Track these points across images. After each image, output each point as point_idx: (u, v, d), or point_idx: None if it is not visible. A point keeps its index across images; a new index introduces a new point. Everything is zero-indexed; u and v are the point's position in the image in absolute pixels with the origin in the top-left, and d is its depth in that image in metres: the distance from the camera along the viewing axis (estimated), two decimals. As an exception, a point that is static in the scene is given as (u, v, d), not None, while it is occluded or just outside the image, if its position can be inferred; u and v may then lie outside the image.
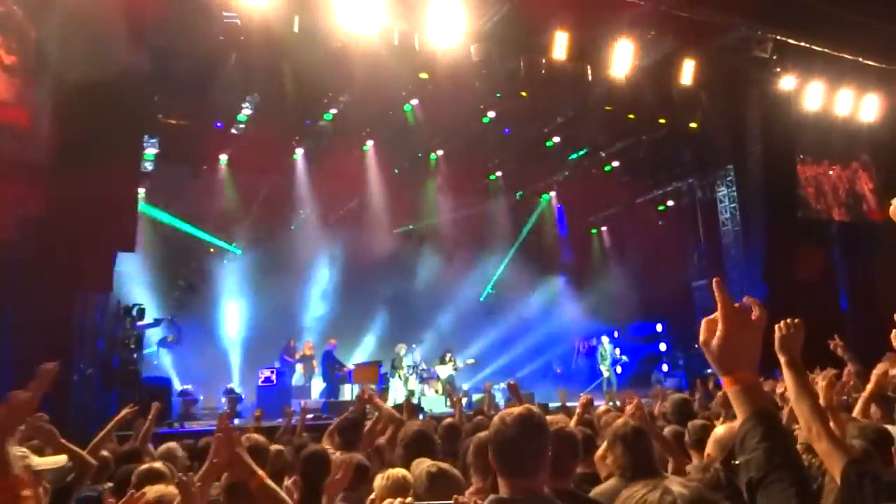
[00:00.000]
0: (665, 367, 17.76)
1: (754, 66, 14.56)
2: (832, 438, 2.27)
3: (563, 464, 2.77)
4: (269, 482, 2.54)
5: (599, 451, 3.25)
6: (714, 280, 1.52)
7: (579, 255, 19.73)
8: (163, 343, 13.24)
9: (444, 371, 14.92)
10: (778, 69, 14.72)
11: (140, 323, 11.51)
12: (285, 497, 2.57)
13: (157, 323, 12.14)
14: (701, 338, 1.48)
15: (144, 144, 12.81)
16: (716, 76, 14.13)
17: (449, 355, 15.03)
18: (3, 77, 9.43)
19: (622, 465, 3.04)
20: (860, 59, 15.42)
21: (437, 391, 15.30)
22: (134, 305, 11.74)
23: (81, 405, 9.73)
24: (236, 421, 11.22)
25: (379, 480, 2.84)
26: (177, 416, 11.38)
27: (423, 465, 2.90)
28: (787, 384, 2.42)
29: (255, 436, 3.80)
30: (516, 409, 2.29)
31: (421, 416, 9.32)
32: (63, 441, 4.02)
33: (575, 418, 4.17)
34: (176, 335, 13.33)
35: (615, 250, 19.93)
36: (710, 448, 2.95)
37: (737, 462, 1.39)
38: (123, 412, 5.27)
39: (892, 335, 2.59)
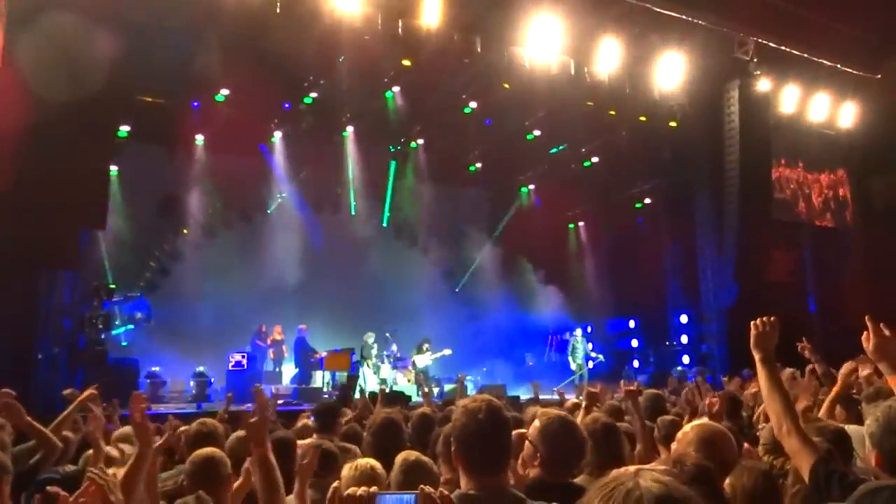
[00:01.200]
0: (636, 363, 17.92)
1: (735, 67, 14.69)
2: (802, 437, 2.28)
3: (566, 458, 2.74)
4: (271, 456, 2.52)
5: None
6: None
7: (556, 250, 19.78)
8: (132, 321, 12.99)
9: (421, 360, 14.93)
10: (757, 72, 14.86)
11: (109, 301, 11.30)
12: (278, 476, 2.54)
13: (126, 300, 11.90)
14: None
15: (118, 122, 12.56)
16: (697, 76, 14.23)
17: (426, 345, 15.03)
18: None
19: (591, 461, 3.03)
20: (838, 66, 15.64)
21: (409, 380, 15.30)
22: (103, 284, 11.54)
23: (46, 384, 9.55)
24: (204, 405, 11.11)
25: (347, 470, 2.80)
26: (144, 399, 11.23)
27: (402, 455, 2.87)
28: (760, 381, 2.43)
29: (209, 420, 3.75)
30: (479, 402, 2.23)
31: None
32: (29, 419, 3.94)
33: (581, 413, 4.14)
34: (146, 314, 13.10)
35: (591, 245, 20.03)
36: (692, 446, 2.93)
37: None
38: (87, 393, 5.15)
39: (863, 337, 2.61)
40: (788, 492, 2.51)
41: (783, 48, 14.68)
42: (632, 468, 1.09)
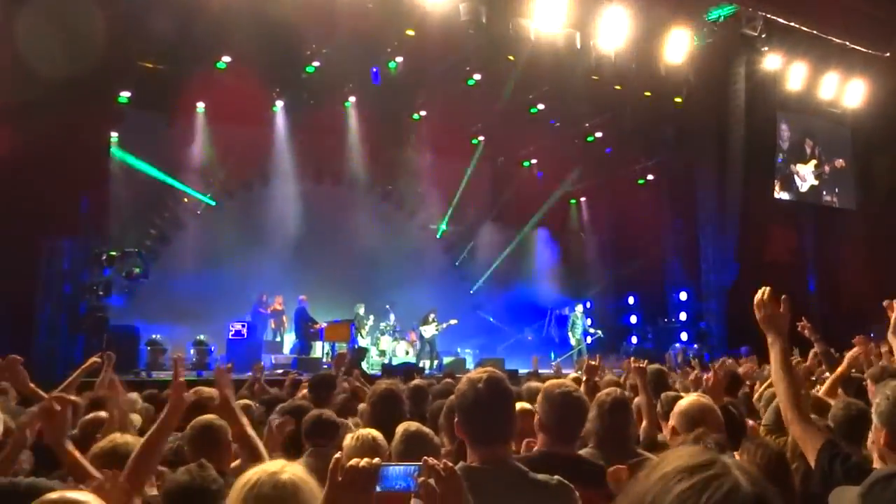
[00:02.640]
0: (634, 340, 18.01)
1: (742, 43, 14.52)
2: (808, 422, 2.28)
3: (571, 430, 2.76)
4: (250, 429, 2.54)
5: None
6: None
7: (556, 225, 19.74)
8: (129, 276, 12.77)
9: (427, 331, 15.01)
10: (765, 48, 14.69)
11: (109, 267, 11.22)
12: (262, 447, 2.56)
13: (124, 256, 11.77)
14: None
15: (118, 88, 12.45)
16: (704, 51, 14.07)
17: (432, 315, 15.09)
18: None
19: (597, 434, 3.05)
20: (847, 44, 15.45)
21: (407, 352, 15.39)
22: (103, 251, 11.49)
23: (46, 350, 9.59)
24: (204, 373, 11.16)
25: (348, 440, 2.82)
26: (144, 366, 11.27)
27: (403, 425, 2.89)
28: (772, 362, 2.41)
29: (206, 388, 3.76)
30: (483, 374, 2.23)
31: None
32: (33, 386, 3.95)
33: (583, 386, 4.17)
34: (143, 267, 12.95)
35: (592, 221, 20.00)
36: (674, 420, 2.95)
37: None
38: (90, 360, 5.18)
39: (885, 303, 2.65)
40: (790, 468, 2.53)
41: (792, 24, 14.49)
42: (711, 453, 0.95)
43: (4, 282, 8.76)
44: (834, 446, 2.17)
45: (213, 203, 15.73)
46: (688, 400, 3.10)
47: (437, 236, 18.80)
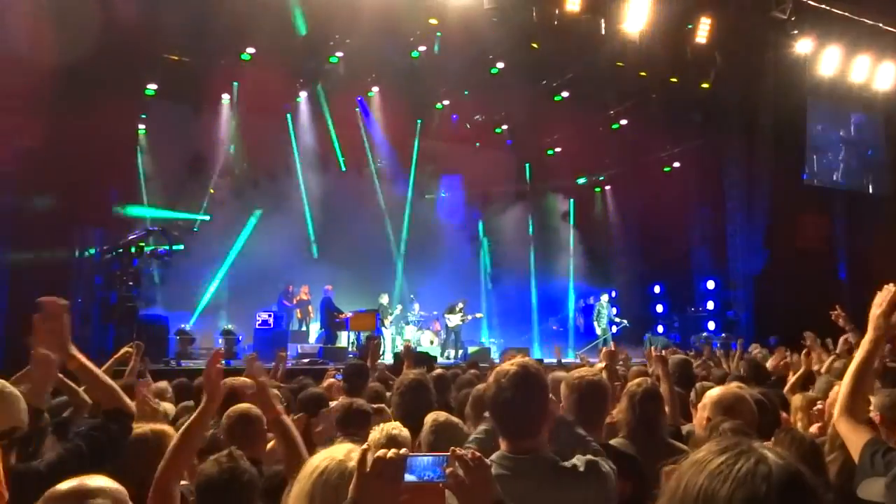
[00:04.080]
0: (660, 329, 17.86)
1: (771, 27, 14.21)
2: (858, 421, 2.26)
3: (593, 416, 2.75)
4: (285, 417, 2.56)
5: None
6: None
7: (582, 214, 19.61)
8: (153, 255, 12.84)
9: (453, 320, 15.02)
10: (795, 31, 14.37)
11: (131, 236, 11.32)
12: (297, 434, 2.59)
13: (147, 233, 11.91)
14: None
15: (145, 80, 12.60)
16: (732, 36, 13.79)
17: (461, 305, 15.08)
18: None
19: (629, 425, 3.04)
20: (880, 25, 15.05)
21: (431, 342, 15.44)
22: (133, 241, 11.64)
23: (79, 340, 9.71)
24: (232, 362, 11.30)
25: (373, 435, 2.83)
26: (174, 355, 11.44)
27: (432, 415, 2.90)
28: (859, 356, 2.37)
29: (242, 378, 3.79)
30: (511, 367, 2.22)
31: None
32: (61, 375, 4.03)
33: (606, 373, 4.16)
34: (168, 243, 13.09)
35: (618, 210, 19.83)
36: (707, 410, 2.92)
37: None
38: (122, 351, 5.30)
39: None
40: (827, 458, 2.50)
41: (823, 6, 14.15)
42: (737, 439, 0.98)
43: (38, 272, 8.94)
44: (876, 443, 2.14)
45: (239, 194, 15.86)
46: (720, 389, 3.08)
47: (461, 225, 18.78)
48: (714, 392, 3.05)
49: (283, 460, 2.64)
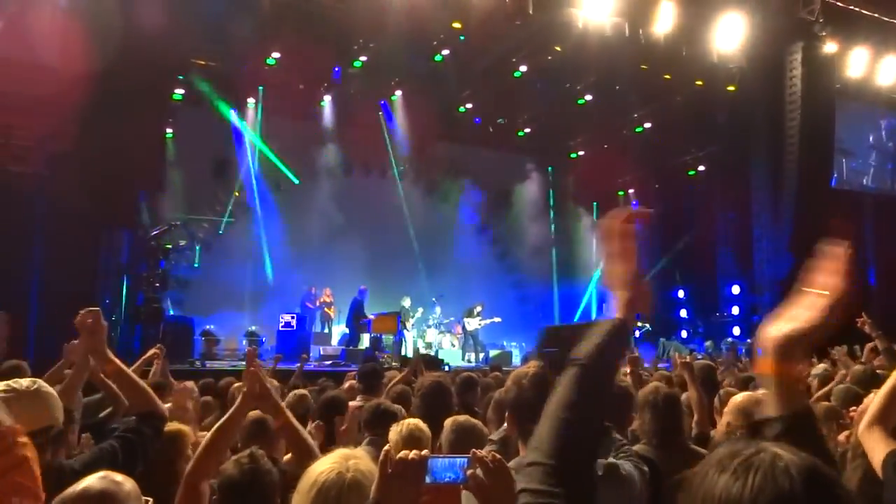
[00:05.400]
0: (684, 334, 17.68)
1: (798, 28, 14.04)
2: (885, 433, 2.23)
3: (616, 421, 2.75)
4: (294, 421, 2.58)
5: None
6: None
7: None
8: (176, 249, 12.96)
9: (471, 324, 15.01)
10: (822, 33, 14.18)
11: (154, 231, 11.48)
12: (308, 437, 2.60)
13: (169, 227, 12.07)
14: None
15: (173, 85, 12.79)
16: (758, 38, 13.65)
17: (479, 308, 15.06)
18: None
19: (650, 431, 3.02)
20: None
21: (452, 345, 15.44)
22: (159, 244, 11.81)
23: (106, 340, 9.92)
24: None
25: (393, 432, 2.84)
26: (199, 356, 11.59)
27: (452, 417, 2.91)
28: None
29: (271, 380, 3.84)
30: (532, 369, 2.22)
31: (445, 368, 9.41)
32: (102, 376, 4.10)
33: (630, 378, 4.16)
34: (189, 238, 13.24)
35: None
36: (730, 416, 2.91)
37: None
38: (151, 352, 5.42)
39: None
40: (848, 466, 2.47)
41: (850, 7, 13.95)
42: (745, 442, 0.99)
43: (68, 273, 9.11)
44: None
45: (263, 197, 16.02)
46: (743, 395, 3.06)
47: (483, 228, 18.78)
48: (737, 397, 3.04)
49: (295, 465, 2.66)
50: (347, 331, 14.38)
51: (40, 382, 2.27)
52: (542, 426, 1.34)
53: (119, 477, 1.75)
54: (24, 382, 2.21)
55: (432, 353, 14.40)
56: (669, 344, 15.53)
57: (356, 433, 3.35)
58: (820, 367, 6.38)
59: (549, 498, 1.26)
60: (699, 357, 10.13)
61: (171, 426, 2.82)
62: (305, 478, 1.74)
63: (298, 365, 7.43)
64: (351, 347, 13.60)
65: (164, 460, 2.50)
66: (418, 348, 13.41)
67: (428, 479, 1.53)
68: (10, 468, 1.39)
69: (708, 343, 15.71)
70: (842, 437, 3.47)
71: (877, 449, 2.18)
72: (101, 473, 1.75)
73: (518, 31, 13.08)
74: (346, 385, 5.84)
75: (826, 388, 5.02)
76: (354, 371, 6.33)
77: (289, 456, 3.04)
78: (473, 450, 1.58)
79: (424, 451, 1.57)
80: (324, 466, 1.74)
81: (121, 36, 9.20)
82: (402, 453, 1.53)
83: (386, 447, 1.60)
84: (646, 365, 8.18)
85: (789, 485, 0.87)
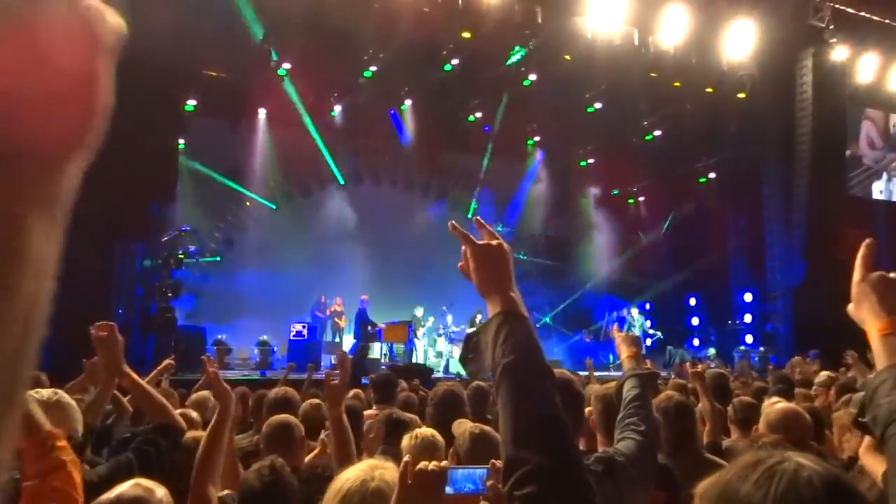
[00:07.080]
0: (696, 342, 17.58)
1: (809, 35, 14.01)
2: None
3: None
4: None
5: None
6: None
7: (615, 225, 19.44)
8: (186, 255, 12.96)
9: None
10: (833, 39, 14.15)
11: (165, 237, 11.55)
12: (351, 438, 2.64)
13: (179, 234, 12.11)
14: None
15: (185, 96, 12.89)
16: (768, 45, 13.63)
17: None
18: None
19: (662, 439, 3.01)
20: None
21: (463, 353, 15.41)
22: (172, 254, 11.91)
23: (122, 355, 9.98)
24: (267, 372, 11.46)
25: (407, 441, 2.83)
26: (211, 365, 11.61)
27: (465, 425, 2.90)
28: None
29: (288, 388, 3.87)
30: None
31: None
32: (127, 368, 4.14)
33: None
34: (200, 244, 13.26)
35: (652, 221, 19.61)
36: (762, 425, 2.91)
37: (863, 419, 1.32)
38: (165, 363, 5.48)
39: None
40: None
41: (861, 13, 13.92)
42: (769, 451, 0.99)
43: (81, 284, 9.17)
44: None
45: (274, 206, 16.11)
46: (779, 406, 3.07)
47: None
48: (771, 409, 3.05)
49: (334, 460, 2.69)
50: (355, 341, 14.44)
51: (61, 393, 2.30)
52: (527, 437, 1.26)
53: (150, 483, 1.78)
54: (45, 393, 2.24)
55: (443, 362, 14.42)
56: (676, 352, 15.45)
57: (379, 442, 3.36)
58: (824, 375, 6.36)
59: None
60: (712, 366, 10.09)
61: (193, 434, 2.85)
62: (333, 484, 1.77)
63: (307, 374, 7.44)
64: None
65: (185, 469, 2.51)
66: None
67: (448, 490, 1.54)
68: (48, 471, 1.41)
69: (711, 352, 15.59)
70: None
71: (877, 469, 2.16)
72: (133, 481, 1.77)
73: (527, 41, 13.11)
74: (351, 394, 5.85)
75: (846, 397, 4.99)
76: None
77: (310, 455, 3.06)
78: (493, 461, 1.59)
79: (444, 463, 1.57)
80: (351, 474, 1.77)
81: (133, 48, 9.28)
82: (422, 464, 1.54)
83: (406, 458, 1.60)
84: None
85: (812, 495, 0.86)
